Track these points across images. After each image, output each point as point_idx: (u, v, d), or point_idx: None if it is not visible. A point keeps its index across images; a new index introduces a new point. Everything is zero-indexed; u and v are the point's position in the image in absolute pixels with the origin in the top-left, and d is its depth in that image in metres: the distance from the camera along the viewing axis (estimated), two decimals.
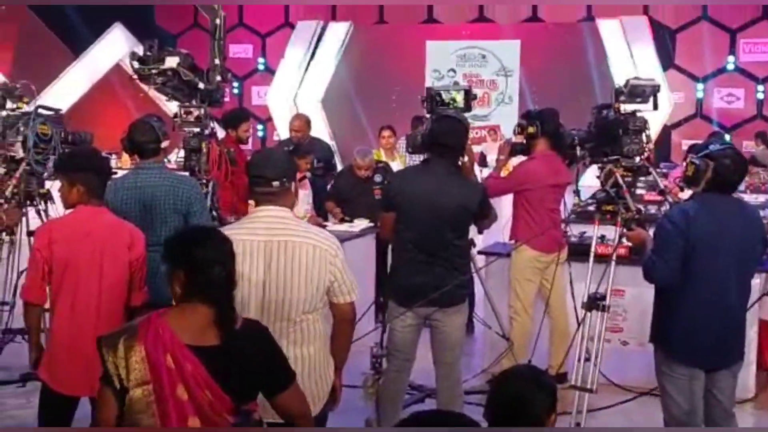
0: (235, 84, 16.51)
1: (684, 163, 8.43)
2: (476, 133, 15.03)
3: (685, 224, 4.26)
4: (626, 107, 4.96)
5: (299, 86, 15.45)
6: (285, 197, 3.66)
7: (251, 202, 7.32)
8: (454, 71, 15.54)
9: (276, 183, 3.61)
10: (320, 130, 14.87)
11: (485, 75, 15.47)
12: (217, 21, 5.71)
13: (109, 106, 15.77)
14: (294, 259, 3.53)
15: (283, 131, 14.86)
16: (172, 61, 5.43)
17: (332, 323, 3.80)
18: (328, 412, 3.82)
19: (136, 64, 5.44)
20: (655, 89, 4.90)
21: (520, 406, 2.82)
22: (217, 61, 5.70)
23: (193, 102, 5.68)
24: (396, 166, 8.87)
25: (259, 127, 16.50)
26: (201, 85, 5.57)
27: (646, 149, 4.95)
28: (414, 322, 5.03)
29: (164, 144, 5.04)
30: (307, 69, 15.49)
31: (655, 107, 4.98)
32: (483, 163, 11.49)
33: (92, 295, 4.15)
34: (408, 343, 5.09)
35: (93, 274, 4.16)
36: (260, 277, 3.53)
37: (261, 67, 16.68)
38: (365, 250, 7.33)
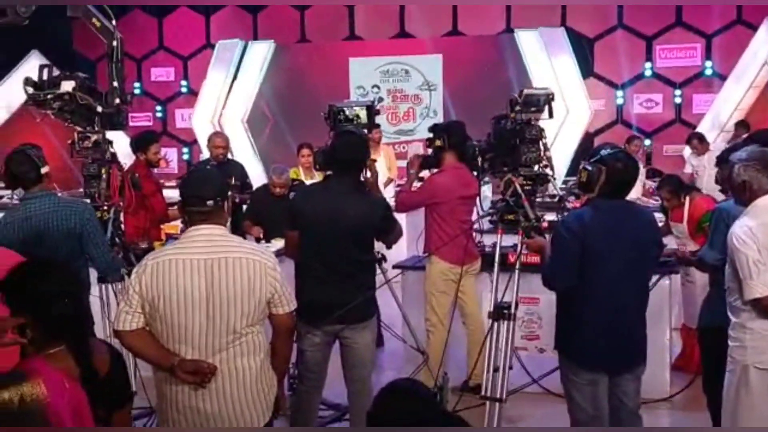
0: (159, 108, 16.33)
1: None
2: (403, 147, 15.11)
3: (580, 230, 4.30)
4: (522, 116, 4.98)
5: (223, 107, 15.32)
6: (219, 216, 3.77)
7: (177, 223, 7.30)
8: (378, 87, 15.54)
9: (210, 202, 3.71)
10: (245, 149, 14.78)
11: (409, 90, 15.49)
12: (114, 43, 5.63)
13: (29, 135, 15.35)
14: (235, 274, 3.65)
15: (208, 154, 14.69)
16: (67, 85, 5.35)
17: (272, 335, 3.91)
18: (273, 422, 3.91)
19: (30, 90, 5.34)
20: (549, 98, 4.95)
21: (403, 421, 2.81)
22: (115, 84, 5.62)
23: (95, 127, 5.58)
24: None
25: (185, 149, 16.34)
26: (99, 109, 5.48)
27: (544, 158, 4.99)
28: (322, 340, 4.98)
29: (44, 170, 4.93)
30: (230, 89, 15.35)
31: (551, 115, 5.02)
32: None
33: None
34: (318, 362, 5.04)
35: None
36: (203, 294, 3.62)
37: (184, 89, 16.49)
38: (283, 269, 7.24)
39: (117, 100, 5.58)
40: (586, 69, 14.51)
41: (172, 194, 8.45)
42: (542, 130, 4.97)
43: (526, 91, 4.89)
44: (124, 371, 3.12)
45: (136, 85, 15.94)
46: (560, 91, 12.02)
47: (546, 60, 14.06)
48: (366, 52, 15.64)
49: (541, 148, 4.97)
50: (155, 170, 7.70)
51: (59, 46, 15.18)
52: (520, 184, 4.92)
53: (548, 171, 5.12)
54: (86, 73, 5.59)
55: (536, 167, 5.01)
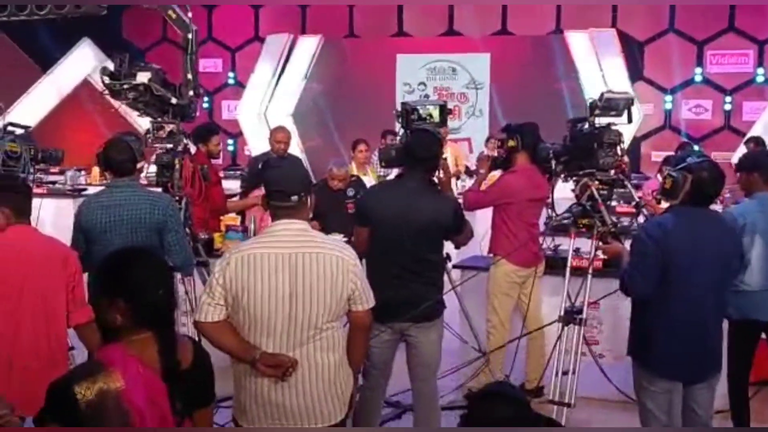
0: (205, 98, 16.42)
1: (658, 175, 8.54)
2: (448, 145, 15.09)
3: (662, 237, 4.26)
4: (601, 120, 4.95)
5: (270, 100, 15.37)
6: (302, 211, 3.79)
7: (232, 215, 7.30)
8: (424, 84, 15.53)
9: (294, 197, 3.73)
10: (291, 144, 14.78)
11: (455, 88, 15.46)
12: (189, 36, 5.67)
13: (78, 122, 15.62)
14: (319, 270, 3.66)
15: (254, 145, 14.78)
16: (143, 76, 5.39)
17: (348, 331, 3.91)
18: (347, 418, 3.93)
19: (107, 79, 5.40)
20: (629, 102, 4.92)
21: (500, 426, 2.79)
22: (189, 76, 5.66)
23: (165, 117, 5.63)
24: (368, 180, 8.84)
25: (229, 141, 16.41)
26: (173, 100, 5.52)
27: (621, 162, 4.95)
28: (390, 337, 4.98)
29: (139, 165, 5.00)
30: (277, 83, 15.40)
31: (630, 120, 4.99)
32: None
33: (28, 315, 4.11)
34: (385, 360, 5.04)
35: (29, 294, 4.11)
36: (286, 289, 3.64)
37: (231, 81, 16.60)
38: None
39: (190, 92, 5.61)
40: (636, 72, 14.41)
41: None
42: (620, 134, 4.94)
43: (606, 95, 4.86)
44: (209, 369, 3.05)
45: None
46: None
47: (595, 62, 13.96)
48: (414, 49, 15.63)
49: (618, 152, 4.93)
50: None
51: (110, 35, 15.31)
52: (596, 188, 4.88)
53: (622, 176, 5.08)
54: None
55: (612, 172, 4.97)
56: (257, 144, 14.47)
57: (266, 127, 14.70)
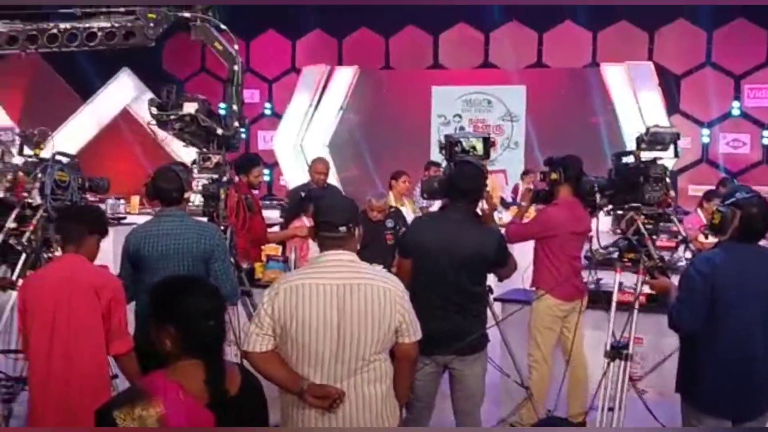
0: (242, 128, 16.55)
1: (698, 210, 8.47)
2: None
3: (710, 273, 4.23)
4: (646, 154, 4.95)
5: (306, 131, 15.49)
6: (351, 242, 3.83)
7: (273, 245, 7.31)
8: (459, 116, 15.58)
9: (343, 228, 3.77)
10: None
11: (491, 120, 15.48)
12: (236, 67, 5.74)
13: (117, 151, 15.82)
14: (367, 301, 3.66)
15: (289, 176, 14.88)
16: (190, 107, 5.46)
17: (395, 363, 3.88)
18: None
19: (154, 110, 5.47)
20: (675, 136, 4.91)
21: None
22: (235, 107, 5.73)
23: (210, 147, 5.69)
24: (406, 211, 8.85)
25: (266, 171, 16.44)
26: (219, 131, 5.59)
27: (668, 197, 4.93)
28: (434, 370, 4.97)
29: (187, 195, 5.05)
30: (313, 114, 15.53)
31: (676, 155, 4.98)
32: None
33: (62, 344, 4.19)
34: (428, 392, 5.02)
35: (63, 323, 4.20)
36: (335, 320, 3.65)
37: (268, 111, 16.79)
38: None
39: (236, 123, 5.67)
40: (672, 106, 14.37)
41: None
42: (666, 168, 4.93)
43: (652, 129, 4.86)
44: (259, 395, 3.06)
45: (222, 105, 16.16)
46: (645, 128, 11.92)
47: (631, 95, 13.95)
48: (449, 81, 15.71)
49: (665, 187, 4.91)
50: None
51: (149, 65, 15.51)
52: (642, 223, 4.86)
53: (669, 211, 5.06)
54: None
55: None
56: (293, 174, 14.58)
57: (302, 157, 14.82)
